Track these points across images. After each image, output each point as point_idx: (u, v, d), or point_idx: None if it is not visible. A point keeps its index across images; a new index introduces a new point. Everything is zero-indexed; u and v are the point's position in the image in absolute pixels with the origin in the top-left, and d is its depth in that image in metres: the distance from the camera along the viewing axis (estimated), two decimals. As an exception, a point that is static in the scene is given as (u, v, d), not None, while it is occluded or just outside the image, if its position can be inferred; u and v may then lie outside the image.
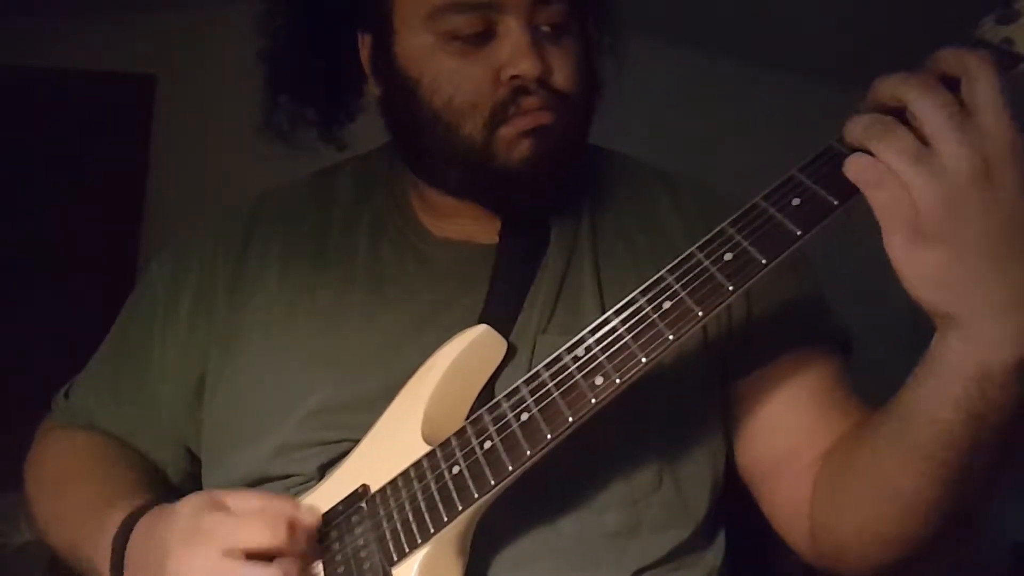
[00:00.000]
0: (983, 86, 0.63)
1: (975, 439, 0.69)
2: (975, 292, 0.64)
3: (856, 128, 0.65)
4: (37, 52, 2.86)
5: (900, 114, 0.65)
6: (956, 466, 0.71)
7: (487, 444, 0.76)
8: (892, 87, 0.65)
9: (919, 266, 0.64)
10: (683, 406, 0.89)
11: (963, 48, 0.66)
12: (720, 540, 0.91)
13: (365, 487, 0.81)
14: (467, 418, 0.80)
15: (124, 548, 0.83)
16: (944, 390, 0.69)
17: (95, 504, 0.91)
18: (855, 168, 0.65)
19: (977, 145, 0.62)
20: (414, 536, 0.76)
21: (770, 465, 0.90)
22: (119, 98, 2.98)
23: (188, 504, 0.79)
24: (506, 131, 0.85)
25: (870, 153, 0.65)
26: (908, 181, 0.63)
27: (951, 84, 0.65)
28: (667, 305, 0.72)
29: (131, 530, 0.83)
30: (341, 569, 0.78)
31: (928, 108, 0.63)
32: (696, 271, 0.71)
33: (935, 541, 0.78)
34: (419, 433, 0.81)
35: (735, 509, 0.93)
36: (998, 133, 0.62)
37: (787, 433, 0.89)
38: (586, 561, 0.83)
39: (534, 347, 0.87)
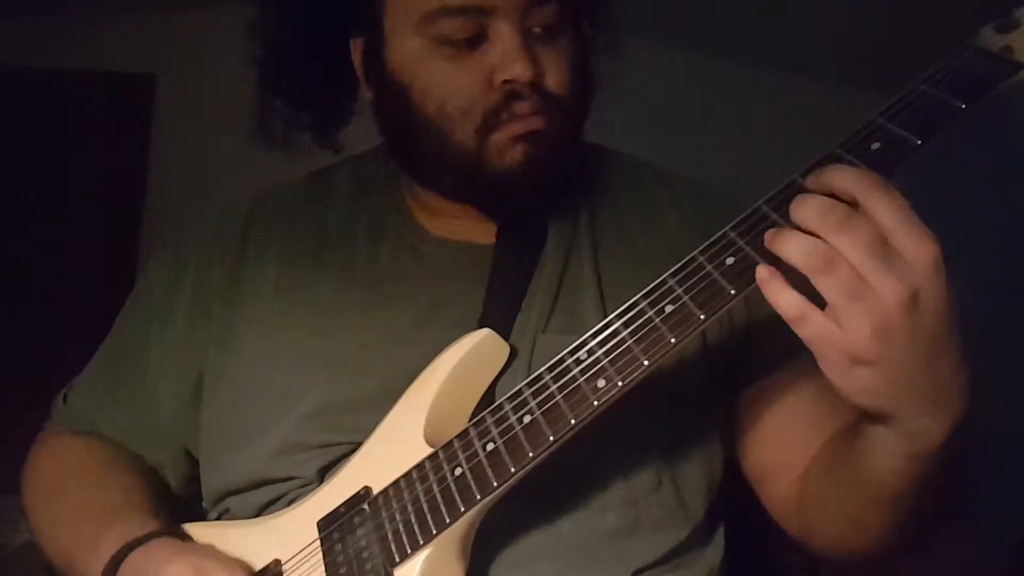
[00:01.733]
0: (886, 209, 0.63)
1: (920, 487, 0.73)
2: (905, 396, 0.66)
3: (795, 255, 0.65)
4: (37, 52, 2.85)
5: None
6: (908, 506, 0.75)
7: (489, 446, 0.76)
8: (813, 219, 0.64)
9: (853, 383, 0.66)
10: (683, 408, 0.89)
11: (848, 168, 0.66)
12: (719, 539, 0.91)
13: (367, 488, 0.81)
14: (469, 420, 0.80)
15: None
16: (884, 463, 0.72)
17: (89, 519, 0.91)
18: (781, 299, 0.65)
19: (902, 275, 0.62)
20: (416, 537, 0.76)
21: (769, 470, 0.91)
22: (119, 98, 2.98)
23: (175, 568, 0.79)
24: (498, 136, 0.85)
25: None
26: (844, 315, 0.63)
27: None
28: (669, 309, 0.72)
29: (121, 562, 0.83)
30: (343, 570, 0.78)
31: (853, 248, 0.62)
32: (698, 275, 0.71)
33: (913, 542, 0.82)
34: (421, 435, 0.81)
35: (734, 509, 0.94)
36: (919, 256, 0.63)
37: (786, 442, 0.89)
38: (586, 561, 0.83)
39: (533, 347, 0.87)
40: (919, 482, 0.72)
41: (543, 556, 0.83)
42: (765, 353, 0.91)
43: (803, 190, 0.69)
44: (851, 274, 0.63)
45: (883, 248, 0.63)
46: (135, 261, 2.85)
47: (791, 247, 0.65)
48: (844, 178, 0.65)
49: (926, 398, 0.67)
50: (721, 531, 0.92)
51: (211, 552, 0.84)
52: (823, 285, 0.64)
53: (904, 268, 0.62)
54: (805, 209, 0.65)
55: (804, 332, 0.65)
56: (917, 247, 0.62)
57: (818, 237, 0.64)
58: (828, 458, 0.84)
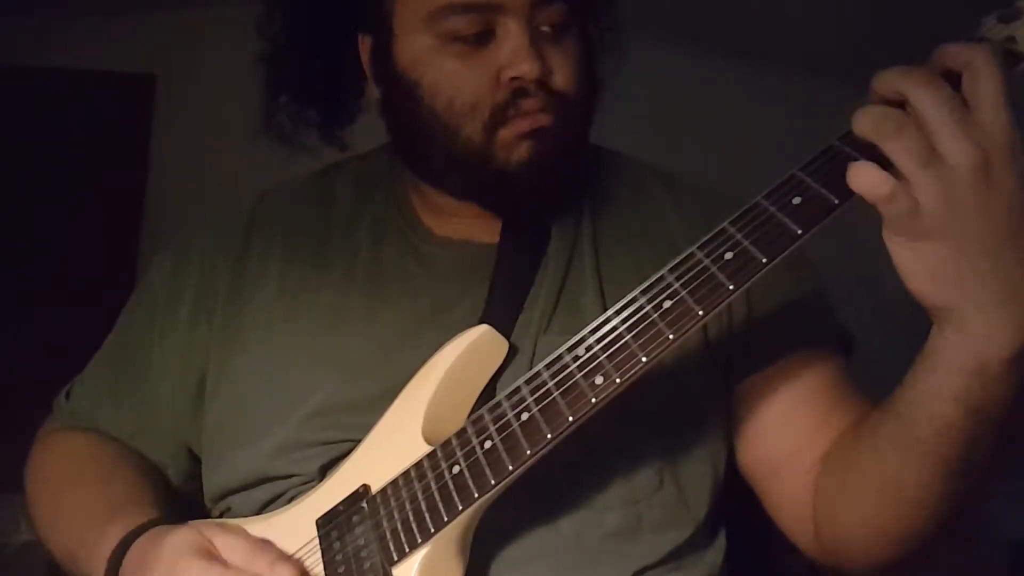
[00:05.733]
0: (985, 81, 0.64)
1: (975, 432, 0.70)
2: (972, 286, 0.65)
3: (865, 121, 0.65)
4: (37, 52, 2.85)
5: (901, 108, 0.65)
6: (957, 459, 0.72)
7: (487, 444, 0.76)
8: (892, 81, 0.65)
9: (918, 261, 0.65)
10: (684, 405, 0.89)
11: (967, 43, 0.66)
12: (721, 540, 0.91)
13: (366, 487, 0.81)
14: (468, 418, 0.80)
15: (118, 570, 0.83)
16: (943, 386, 0.69)
17: (93, 514, 0.91)
18: (864, 180, 0.65)
19: (978, 140, 0.63)
20: (414, 536, 0.76)
21: (772, 465, 0.91)
22: (119, 98, 2.99)
23: (176, 540, 0.79)
24: (505, 133, 0.85)
25: (875, 146, 0.65)
26: (915, 181, 0.63)
27: (952, 79, 0.65)
28: (667, 304, 0.72)
29: (126, 551, 0.83)
30: (342, 569, 0.78)
31: (930, 103, 0.63)
32: (696, 270, 0.71)
33: (936, 537, 0.79)
34: (420, 433, 0.81)
35: (735, 509, 0.93)
36: (997, 128, 0.63)
37: (788, 434, 0.89)
38: (586, 561, 0.83)
39: (535, 347, 0.87)
40: (981, 417, 0.69)
41: (542, 556, 0.82)
42: (764, 346, 0.90)
43: (798, 186, 0.69)
44: (922, 139, 0.63)
45: (960, 111, 0.63)
46: (135, 261, 2.85)
47: (865, 117, 0.65)
48: (957, 51, 0.66)
49: (994, 291, 0.65)
50: (723, 531, 0.91)
51: (213, 525, 0.84)
52: (894, 149, 0.63)
53: (980, 134, 0.63)
54: (889, 70, 0.66)
55: (889, 208, 0.64)
56: (999, 120, 0.63)
57: (895, 106, 0.64)
58: (861, 428, 0.81)
